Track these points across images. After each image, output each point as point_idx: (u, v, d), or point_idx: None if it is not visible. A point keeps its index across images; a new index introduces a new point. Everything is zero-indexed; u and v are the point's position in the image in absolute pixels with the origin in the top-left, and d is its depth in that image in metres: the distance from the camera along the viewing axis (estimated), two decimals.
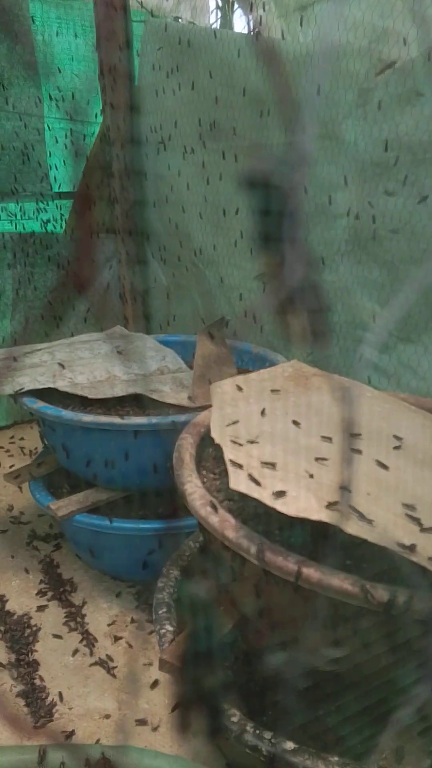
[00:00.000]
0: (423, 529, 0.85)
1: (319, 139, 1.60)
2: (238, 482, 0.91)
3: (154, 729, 1.21)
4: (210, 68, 1.88)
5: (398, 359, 1.62)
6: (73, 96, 2.39)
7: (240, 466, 0.94)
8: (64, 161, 2.52)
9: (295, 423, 1.12)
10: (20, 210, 2.50)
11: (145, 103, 2.20)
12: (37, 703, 1.29)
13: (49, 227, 2.53)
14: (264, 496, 0.87)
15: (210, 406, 1.20)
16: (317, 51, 1.55)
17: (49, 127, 2.46)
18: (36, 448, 2.27)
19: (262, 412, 1.15)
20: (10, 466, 2.11)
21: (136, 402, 1.55)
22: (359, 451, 1.04)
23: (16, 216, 2.49)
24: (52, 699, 1.30)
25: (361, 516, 0.84)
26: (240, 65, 1.79)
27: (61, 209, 2.55)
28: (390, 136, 1.48)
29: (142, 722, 1.23)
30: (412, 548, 0.79)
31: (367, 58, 1.48)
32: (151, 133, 2.18)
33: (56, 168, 2.52)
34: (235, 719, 0.92)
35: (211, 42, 1.87)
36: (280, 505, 0.85)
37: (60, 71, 2.41)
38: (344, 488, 0.91)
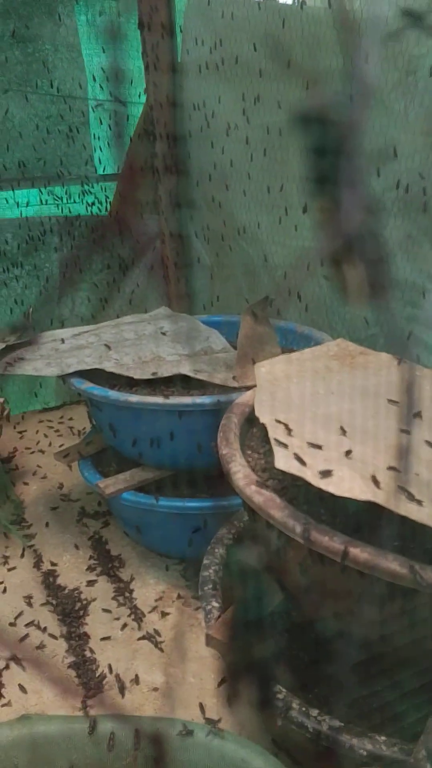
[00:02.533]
0: None
1: (366, 108, 1.55)
2: (284, 461, 0.90)
3: (200, 703, 1.23)
4: (254, 41, 1.84)
5: None
6: (117, 76, 2.39)
7: (285, 446, 0.94)
8: (108, 143, 2.52)
9: (341, 402, 1.10)
10: (66, 193, 2.52)
11: (188, 80, 2.17)
12: (88, 674, 1.33)
13: (94, 209, 2.55)
14: (310, 475, 0.86)
15: (254, 385, 1.20)
16: (365, 18, 1.49)
17: (93, 109, 2.46)
18: (84, 428, 2.31)
19: (307, 391, 1.14)
20: (60, 446, 2.16)
21: (181, 382, 1.55)
22: (408, 431, 1.02)
23: (62, 199, 2.52)
24: (102, 671, 1.33)
25: (410, 496, 0.82)
26: (285, 37, 1.74)
27: (105, 191, 2.56)
28: None
29: (188, 695, 1.25)
30: None
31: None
32: (195, 110, 2.16)
33: (101, 150, 2.53)
34: (281, 696, 0.92)
35: (254, 14, 1.83)
36: (326, 485, 0.84)
37: (104, 51, 2.41)
38: (393, 468, 0.89)
